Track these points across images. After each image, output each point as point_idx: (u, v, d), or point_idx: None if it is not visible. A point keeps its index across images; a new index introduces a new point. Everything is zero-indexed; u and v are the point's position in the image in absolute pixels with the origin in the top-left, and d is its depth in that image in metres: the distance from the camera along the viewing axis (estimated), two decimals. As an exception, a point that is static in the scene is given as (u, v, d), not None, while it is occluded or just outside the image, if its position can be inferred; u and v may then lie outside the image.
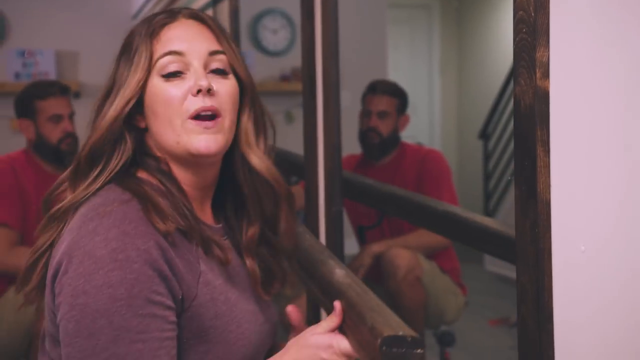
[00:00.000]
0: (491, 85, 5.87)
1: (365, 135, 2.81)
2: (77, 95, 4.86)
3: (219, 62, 1.14)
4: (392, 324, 1.04)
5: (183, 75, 1.12)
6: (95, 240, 1.00)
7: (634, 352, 0.88)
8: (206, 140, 1.09)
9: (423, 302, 2.62)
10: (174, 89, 1.10)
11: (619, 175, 0.88)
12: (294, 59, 5.29)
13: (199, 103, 1.09)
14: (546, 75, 0.97)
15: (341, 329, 1.14)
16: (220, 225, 1.22)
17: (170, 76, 1.11)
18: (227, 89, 1.13)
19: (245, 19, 5.02)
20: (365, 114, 2.82)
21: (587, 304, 0.93)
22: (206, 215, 1.20)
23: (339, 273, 1.26)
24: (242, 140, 1.17)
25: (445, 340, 2.82)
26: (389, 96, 2.81)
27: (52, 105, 2.80)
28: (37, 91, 2.84)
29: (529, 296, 0.99)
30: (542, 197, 0.97)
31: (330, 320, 1.14)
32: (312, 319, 2.01)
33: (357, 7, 5.22)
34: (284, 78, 5.22)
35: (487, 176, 5.67)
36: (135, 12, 5.28)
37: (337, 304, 1.14)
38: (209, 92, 1.10)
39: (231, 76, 1.15)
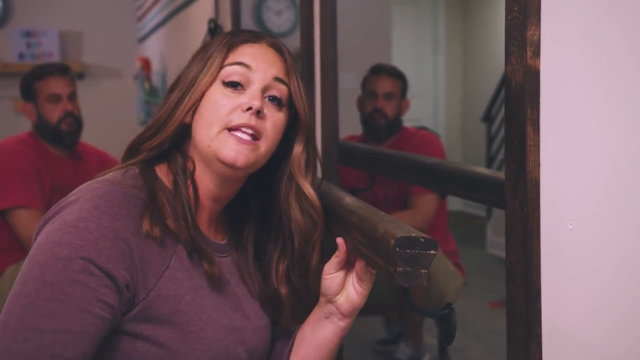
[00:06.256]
0: (495, 68, 5.85)
1: (370, 116, 2.81)
2: (81, 76, 4.86)
3: (278, 91, 1.18)
4: (405, 229, 1.07)
5: (241, 90, 1.16)
6: (72, 208, 1.06)
7: (621, 329, 0.89)
8: (236, 152, 1.12)
9: (427, 283, 2.64)
10: (226, 99, 1.14)
11: (608, 155, 0.88)
12: (298, 41, 5.25)
13: (244, 119, 1.13)
14: (537, 54, 0.97)
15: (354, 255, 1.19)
16: (224, 242, 1.24)
17: (230, 85, 1.15)
18: (274, 120, 1.16)
19: (249, 0, 5.01)
20: (369, 96, 2.83)
21: (575, 282, 0.94)
22: (210, 228, 1.22)
23: (349, 199, 1.29)
24: (296, 170, 1.21)
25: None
26: (394, 78, 2.83)
27: (49, 85, 2.81)
28: (34, 73, 2.85)
29: (517, 274, 1.00)
30: (531, 175, 0.97)
31: (335, 257, 1.20)
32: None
33: (361, -12, 5.20)
34: (288, 59, 5.22)
35: (490, 159, 5.67)
36: (139, -8, 5.26)
37: (339, 240, 1.20)
38: (258, 114, 1.14)
39: (285, 110, 1.19)
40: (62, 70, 2.87)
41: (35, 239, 1.08)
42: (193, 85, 1.16)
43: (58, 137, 2.81)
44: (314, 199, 1.22)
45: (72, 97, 2.86)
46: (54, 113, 2.79)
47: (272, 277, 1.24)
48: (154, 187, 1.12)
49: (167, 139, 1.16)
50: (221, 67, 1.16)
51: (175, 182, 1.15)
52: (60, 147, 2.84)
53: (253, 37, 1.20)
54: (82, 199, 1.07)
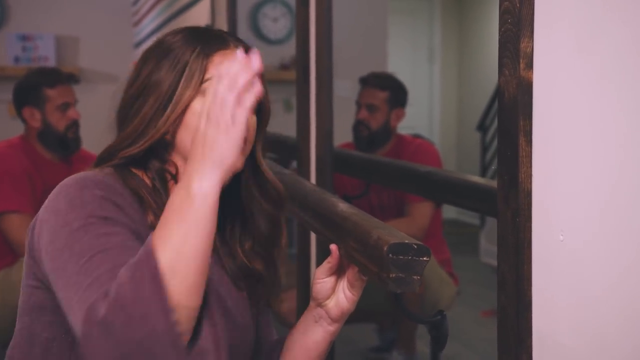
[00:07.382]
0: (490, 77, 5.86)
1: (355, 128, 2.87)
2: (76, 80, 4.87)
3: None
4: (398, 235, 1.08)
5: None
6: (58, 198, 1.10)
7: (611, 340, 0.89)
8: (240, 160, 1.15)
9: (422, 291, 2.66)
10: None
11: (599, 167, 0.89)
12: (294, 48, 5.24)
13: None
14: (530, 66, 0.98)
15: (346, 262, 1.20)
16: None
17: None
18: (251, 123, 1.19)
19: (245, 7, 5.01)
20: (357, 106, 2.88)
21: (565, 293, 0.94)
22: None
23: (342, 205, 1.31)
24: (259, 158, 1.24)
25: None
26: (378, 89, 2.83)
27: (61, 94, 2.80)
28: (45, 79, 2.82)
29: (509, 284, 1.00)
30: (524, 186, 0.98)
31: (327, 262, 1.21)
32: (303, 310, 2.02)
33: (358, -3, 5.21)
34: (284, 67, 5.22)
35: (485, 167, 5.68)
36: (135, -3, 5.26)
37: (332, 246, 1.21)
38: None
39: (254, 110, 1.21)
40: (69, 78, 2.88)
41: (29, 240, 1.10)
42: (173, 97, 1.16)
43: (64, 144, 2.81)
44: (277, 183, 1.25)
45: (76, 104, 2.88)
46: (61, 121, 2.79)
47: (240, 256, 1.26)
48: (135, 183, 1.15)
49: (146, 148, 1.17)
50: (203, 81, 1.16)
51: (153, 184, 1.17)
52: (59, 153, 2.84)
53: (222, 43, 1.21)
54: (65, 189, 1.10)
